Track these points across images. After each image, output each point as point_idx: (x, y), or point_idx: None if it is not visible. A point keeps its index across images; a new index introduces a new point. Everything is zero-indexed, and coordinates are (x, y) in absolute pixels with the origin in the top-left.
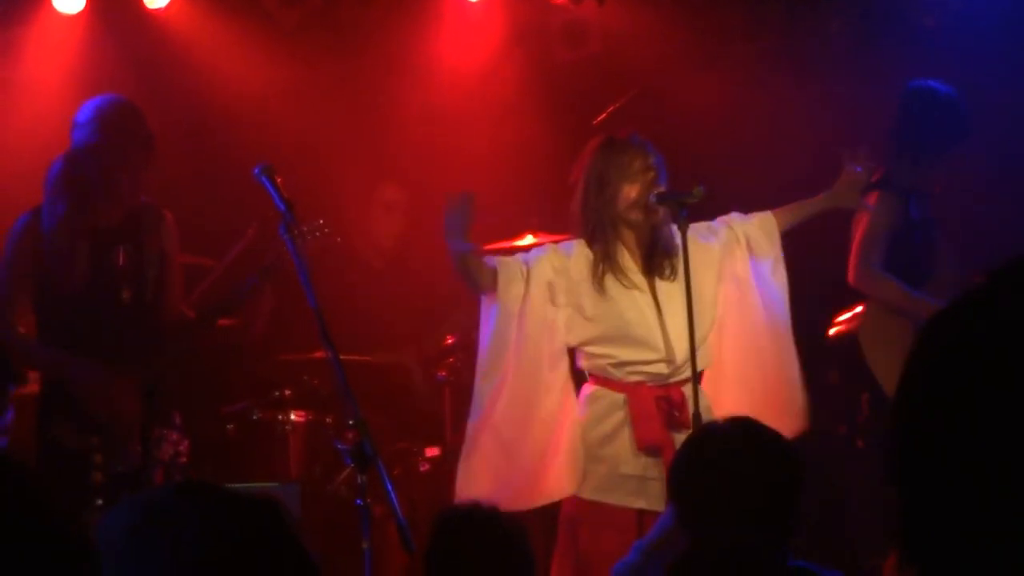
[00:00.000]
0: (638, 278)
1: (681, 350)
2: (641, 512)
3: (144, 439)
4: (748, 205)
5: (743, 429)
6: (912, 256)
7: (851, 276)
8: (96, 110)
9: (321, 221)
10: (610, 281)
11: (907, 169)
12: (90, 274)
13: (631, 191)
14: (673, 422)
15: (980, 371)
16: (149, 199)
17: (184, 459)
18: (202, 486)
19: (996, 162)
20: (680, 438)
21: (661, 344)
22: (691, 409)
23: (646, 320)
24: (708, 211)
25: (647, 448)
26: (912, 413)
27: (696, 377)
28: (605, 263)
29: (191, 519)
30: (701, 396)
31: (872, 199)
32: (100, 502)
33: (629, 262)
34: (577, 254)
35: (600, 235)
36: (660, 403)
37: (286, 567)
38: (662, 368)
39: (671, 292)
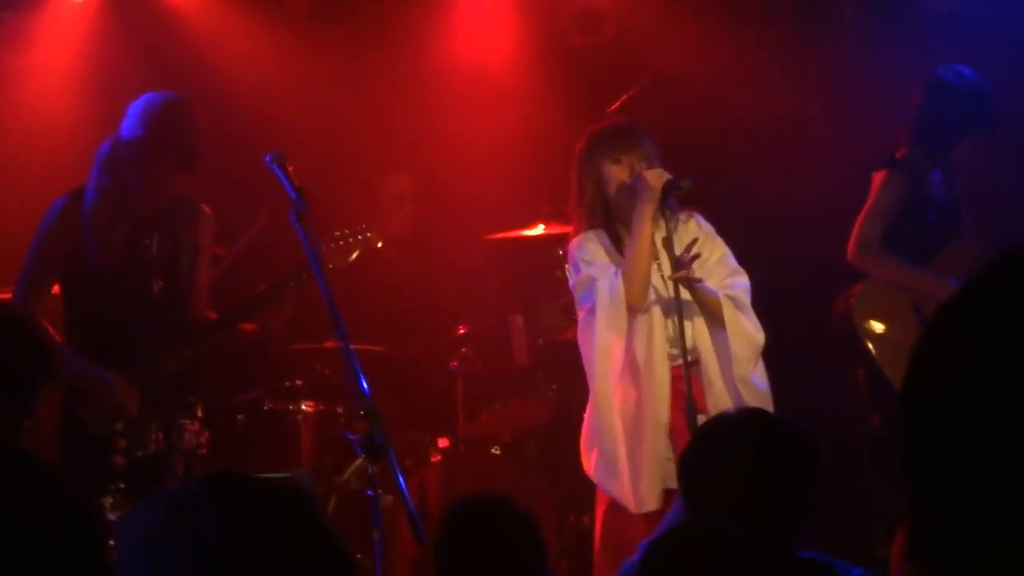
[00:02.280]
0: None
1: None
2: (667, 491)
3: (167, 427)
4: (760, 192)
5: (756, 420)
6: (925, 234)
7: (849, 253)
8: (146, 105)
9: (363, 225)
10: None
11: (926, 150)
12: (125, 259)
13: (619, 172)
14: (689, 404)
15: (991, 357)
16: (188, 193)
17: (204, 450)
18: (226, 478)
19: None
20: (694, 419)
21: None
22: (686, 391)
23: (661, 299)
24: (726, 198)
25: (668, 428)
26: (922, 398)
27: (687, 362)
28: (617, 246)
29: (217, 513)
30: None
31: (880, 177)
32: (122, 486)
33: None
34: (591, 247)
35: (604, 222)
36: (676, 384)
37: (315, 555)
38: (673, 349)
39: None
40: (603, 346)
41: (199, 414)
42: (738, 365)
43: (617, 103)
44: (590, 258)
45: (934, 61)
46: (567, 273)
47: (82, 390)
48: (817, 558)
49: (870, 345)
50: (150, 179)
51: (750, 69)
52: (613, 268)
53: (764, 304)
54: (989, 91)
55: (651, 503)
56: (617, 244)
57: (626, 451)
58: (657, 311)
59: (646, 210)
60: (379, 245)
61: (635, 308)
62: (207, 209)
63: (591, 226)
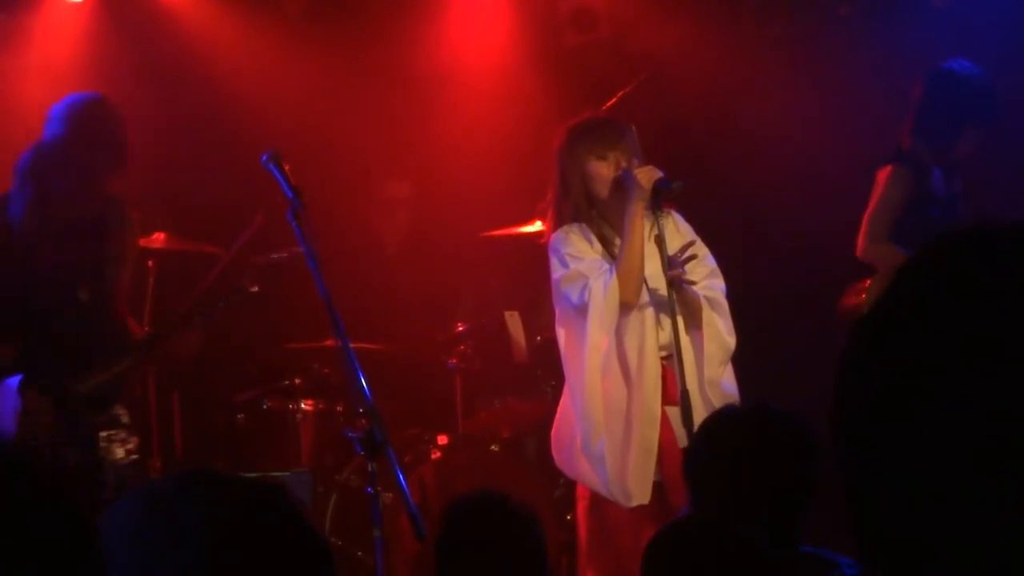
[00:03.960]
0: None
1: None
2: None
3: (88, 441)
4: (756, 189)
5: (760, 413)
6: (928, 229)
7: (858, 248)
8: (69, 107)
9: (236, 286)
10: (607, 257)
11: (926, 144)
12: (51, 267)
13: (605, 168)
14: (683, 398)
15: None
16: (115, 194)
17: (135, 456)
18: (203, 475)
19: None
20: (671, 411)
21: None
22: (680, 386)
23: (652, 296)
24: (722, 196)
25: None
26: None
27: (679, 354)
28: (600, 241)
29: (193, 510)
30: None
31: (886, 172)
32: None
33: (617, 239)
34: (574, 239)
35: (589, 217)
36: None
37: (295, 552)
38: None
39: (655, 271)
40: (594, 344)
41: (124, 421)
42: (709, 367)
43: (612, 101)
44: (577, 253)
45: (930, 56)
46: (551, 267)
47: None
48: (820, 553)
49: None
50: (77, 182)
51: (745, 66)
52: (606, 265)
53: (760, 301)
54: (991, 84)
55: (642, 497)
56: (600, 240)
57: (616, 447)
58: (648, 308)
59: (637, 209)
60: (254, 290)
61: (630, 306)
62: (134, 214)
63: (575, 220)
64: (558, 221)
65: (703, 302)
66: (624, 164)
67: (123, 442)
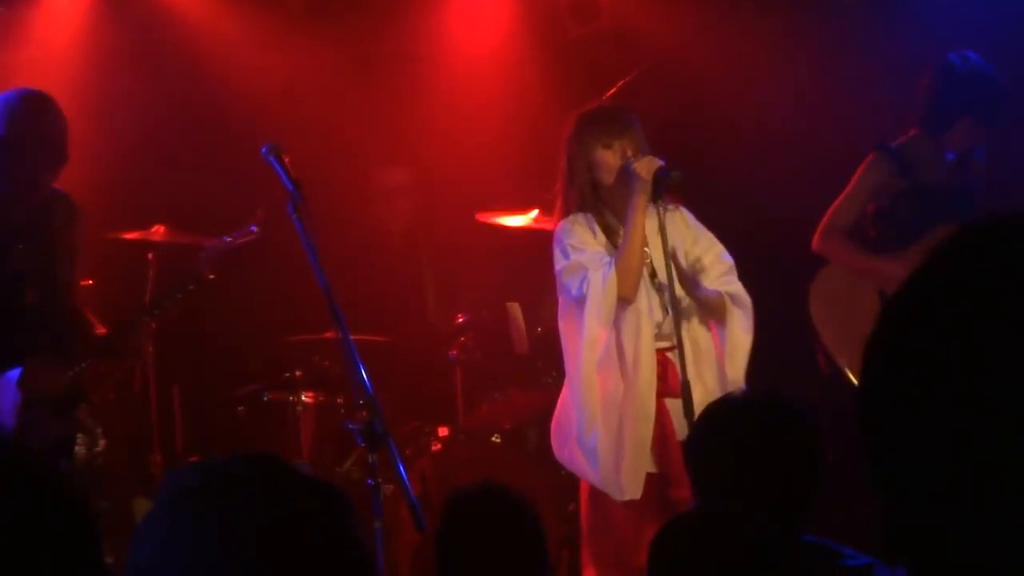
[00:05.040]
0: None
1: (666, 319)
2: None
3: (60, 448)
4: (757, 180)
5: (759, 402)
6: (915, 216)
7: (814, 239)
8: (3, 103)
9: (191, 273)
10: (610, 248)
11: (927, 131)
12: None
13: (611, 157)
14: (664, 388)
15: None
16: (61, 190)
17: (100, 460)
18: (272, 461)
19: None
20: (670, 403)
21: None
22: (680, 377)
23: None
24: (723, 186)
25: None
26: (878, 385)
27: (681, 344)
28: (604, 231)
29: (251, 491)
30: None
31: (865, 161)
32: None
33: (621, 229)
34: (578, 230)
35: (594, 206)
36: (664, 368)
37: (338, 559)
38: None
39: (659, 261)
40: (591, 338)
41: (84, 423)
42: (732, 367)
43: (612, 91)
44: (579, 244)
45: (934, 46)
46: (554, 257)
47: None
48: (823, 542)
49: (820, 330)
50: (17, 182)
51: (748, 56)
52: (607, 258)
53: (760, 294)
54: (992, 76)
55: (634, 492)
56: (604, 229)
57: (610, 441)
58: (644, 300)
59: (639, 202)
60: (211, 277)
61: (627, 300)
62: (80, 207)
63: (580, 210)
64: (564, 210)
65: (725, 299)
66: (630, 153)
67: (88, 444)
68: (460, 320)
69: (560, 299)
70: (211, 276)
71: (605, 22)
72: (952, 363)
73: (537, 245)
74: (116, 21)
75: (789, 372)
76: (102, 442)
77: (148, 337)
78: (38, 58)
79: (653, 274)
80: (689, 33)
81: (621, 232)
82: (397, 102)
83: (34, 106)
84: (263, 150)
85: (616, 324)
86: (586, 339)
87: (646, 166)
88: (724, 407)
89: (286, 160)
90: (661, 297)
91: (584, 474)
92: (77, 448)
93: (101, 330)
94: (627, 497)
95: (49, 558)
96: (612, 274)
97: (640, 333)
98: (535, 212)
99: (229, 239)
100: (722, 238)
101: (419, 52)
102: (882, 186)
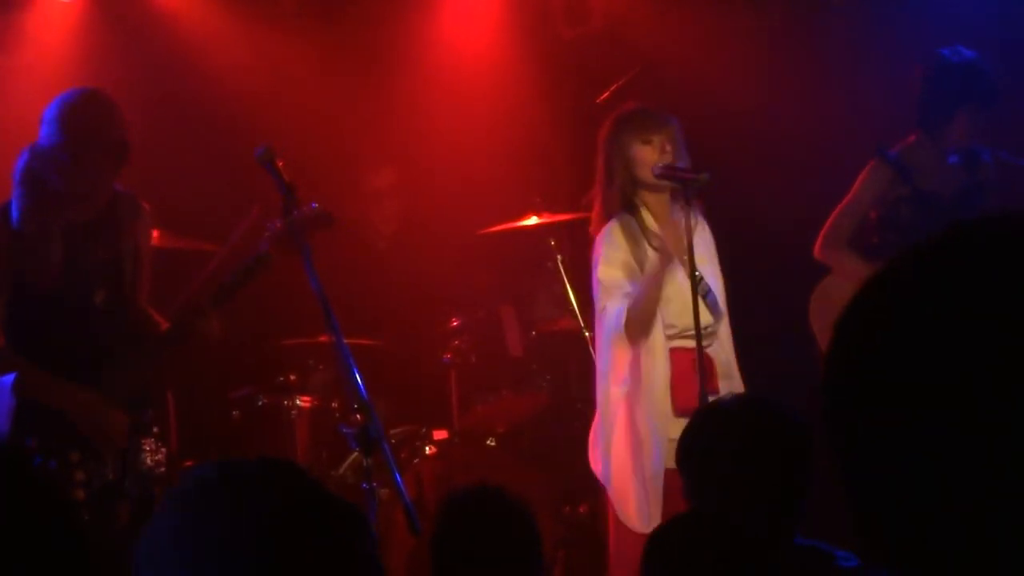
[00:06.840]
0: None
1: (707, 316)
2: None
3: (122, 450)
4: (750, 182)
5: (753, 405)
6: (916, 221)
7: (816, 246)
8: (62, 107)
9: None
10: (650, 249)
11: (927, 131)
12: (63, 273)
13: (650, 153)
14: (708, 387)
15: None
16: (126, 189)
17: (163, 469)
18: (289, 466)
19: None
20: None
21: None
22: (699, 390)
23: (682, 285)
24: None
25: (684, 411)
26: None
27: (700, 345)
28: (644, 232)
29: (268, 490)
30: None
31: (865, 169)
32: (86, 518)
33: (659, 231)
34: (619, 241)
35: (629, 205)
36: (696, 367)
37: (348, 570)
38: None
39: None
40: (612, 358)
41: (155, 430)
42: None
43: (606, 93)
44: (614, 259)
45: (928, 44)
46: (593, 262)
47: (57, 404)
48: (815, 545)
49: (821, 339)
50: (81, 184)
51: (740, 57)
52: (628, 288)
53: (757, 293)
54: (985, 67)
55: (642, 526)
56: (644, 231)
57: (629, 469)
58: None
59: (659, 275)
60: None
61: (632, 343)
62: (146, 205)
63: (622, 209)
64: (605, 210)
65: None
66: (669, 148)
67: (153, 452)
68: (454, 323)
69: (595, 303)
70: (271, 255)
71: (597, 24)
72: (906, 363)
73: (531, 247)
74: (109, 25)
75: (789, 373)
76: (163, 450)
77: (217, 321)
78: (30, 63)
79: (699, 279)
80: (682, 35)
81: (657, 238)
82: (389, 103)
83: (92, 106)
84: (257, 152)
85: (635, 349)
86: (609, 359)
87: (675, 242)
88: (714, 410)
89: (279, 164)
90: (705, 300)
91: (608, 488)
92: (142, 454)
93: (166, 325)
94: (639, 531)
95: (33, 561)
96: (624, 312)
97: (655, 355)
98: (532, 219)
99: (297, 215)
100: (716, 238)
101: (411, 54)
102: (882, 193)
